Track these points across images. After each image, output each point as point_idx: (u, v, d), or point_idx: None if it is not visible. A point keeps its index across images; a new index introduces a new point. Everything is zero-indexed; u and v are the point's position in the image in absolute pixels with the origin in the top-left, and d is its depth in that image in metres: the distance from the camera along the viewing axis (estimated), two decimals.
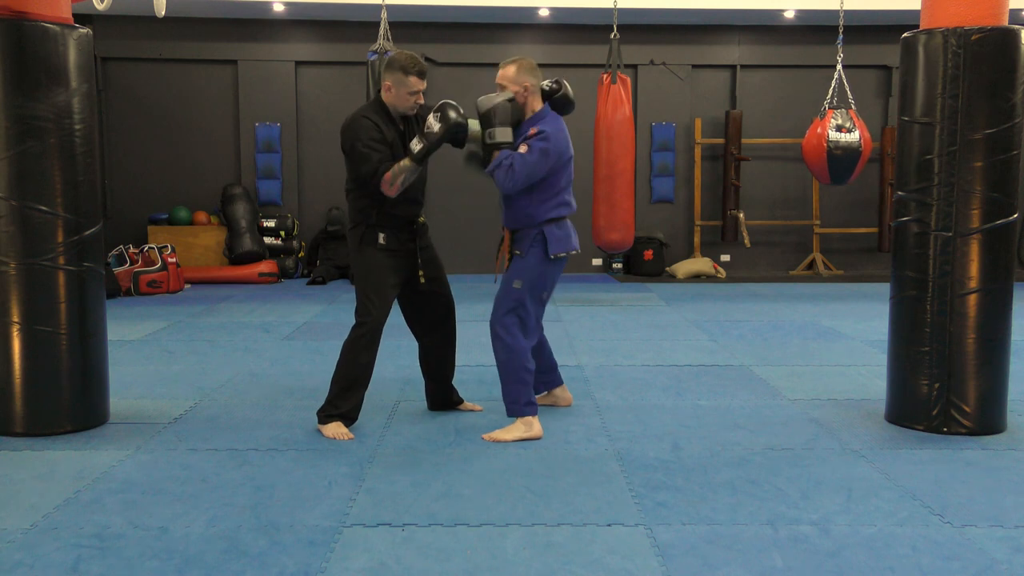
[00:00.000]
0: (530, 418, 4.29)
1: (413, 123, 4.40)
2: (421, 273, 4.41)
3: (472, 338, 6.89)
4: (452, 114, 4.18)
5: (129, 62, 11.07)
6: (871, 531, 3.19)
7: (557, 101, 4.40)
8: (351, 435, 4.29)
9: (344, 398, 4.35)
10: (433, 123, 4.19)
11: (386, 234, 4.34)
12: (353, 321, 4.39)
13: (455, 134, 4.22)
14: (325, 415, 4.36)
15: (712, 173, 11.52)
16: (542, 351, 4.66)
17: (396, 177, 4.17)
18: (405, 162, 4.19)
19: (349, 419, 4.37)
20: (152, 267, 9.45)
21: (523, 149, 4.18)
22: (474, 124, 4.34)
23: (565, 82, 4.46)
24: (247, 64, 11.07)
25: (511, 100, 4.22)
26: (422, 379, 4.81)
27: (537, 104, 4.32)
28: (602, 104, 8.65)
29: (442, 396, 4.78)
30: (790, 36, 11.30)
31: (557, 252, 4.29)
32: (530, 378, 4.32)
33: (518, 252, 4.32)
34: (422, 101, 4.37)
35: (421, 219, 4.47)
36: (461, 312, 8.24)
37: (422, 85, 4.31)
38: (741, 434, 4.37)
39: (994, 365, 4.30)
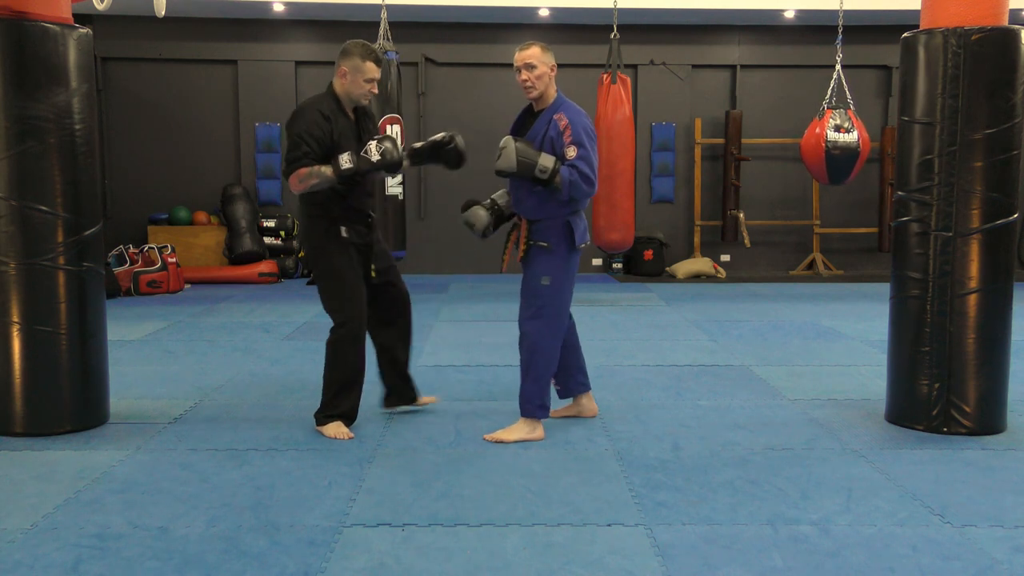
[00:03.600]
0: (536, 420, 4.27)
1: (363, 117, 4.37)
2: (373, 267, 4.39)
3: (473, 338, 6.90)
4: (394, 154, 4.17)
5: (129, 62, 11.07)
6: (871, 531, 3.19)
7: (448, 152, 4.34)
8: (351, 434, 4.28)
9: (341, 398, 4.33)
10: (373, 151, 4.16)
11: (347, 227, 4.28)
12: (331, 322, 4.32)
13: (388, 171, 4.24)
14: (324, 416, 4.34)
15: (712, 173, 11.52)
16: (575, 352, 4.58)
17: (309, 179, 4.10)
18: (327, 171, 4.11)
19: (348, 419, 4.36)
20: (152, 267, 9.45)
21: (572, 153, 4.13)
22: (478, 212, 4.39)
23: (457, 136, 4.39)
24: (247, 64, 11.07)
25: (516, 139, 4.15)
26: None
27: (552, 90, 4.27)
28: (602, 104, 8.65)
29: (400, 391, 4.67)
30: (790, 36, 11.30)
31: (581, 243, 4.29)
32: (549, 379, 4.29)
33: (544, 244, 4.22)
34: (376, 91, 4.33)
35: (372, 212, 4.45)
36: (461, 312, 8.29)
37: (378, 73, 4.28)
38: (741, 434, 4.37)
39: (994, 365, 4.30)
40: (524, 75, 4.19)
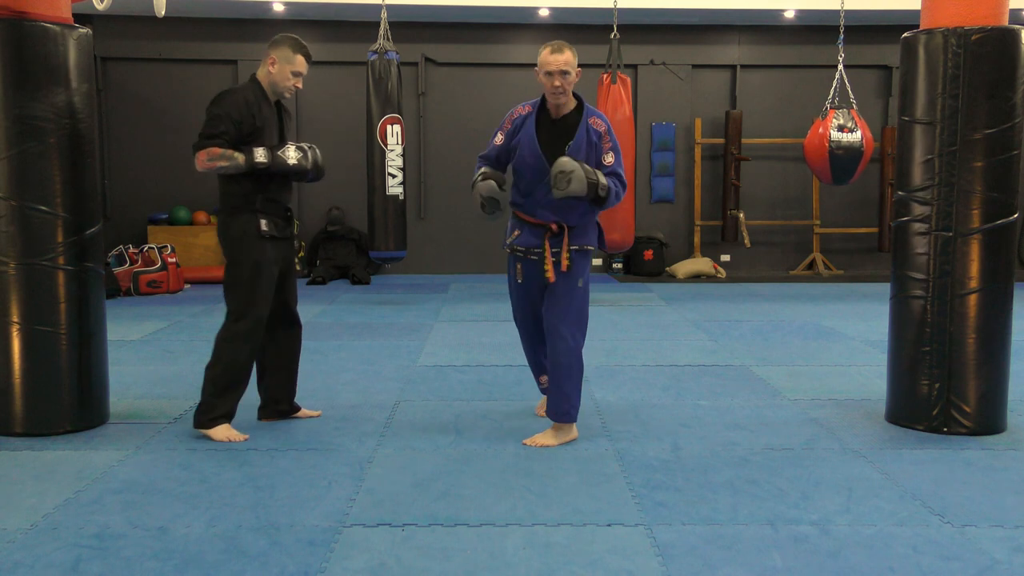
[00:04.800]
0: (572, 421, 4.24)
1: (283, 112, 4.34)
2: (298, 259, 4.34)
3: (473, 338, 6.90)
4: (307, 163, 4.19)
5: (129, 62, 11.07)
6: (871, 531, 3.19)
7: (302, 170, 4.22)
8: (244, 436, 4.19)
9: (225, 398, 4.21)
10: (292, 154, 4.15)
11: (267, 220, 4.20)
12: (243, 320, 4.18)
13: (298, 177, 4.23)
14: (208, 419, 4.19)
15: (712, 173, 11.53)
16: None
17: (219, 160, 4.04)
18: (239, 158, 4.06)
19: (229, 419, 4.25)
20: (152, 267, 9.45)
21: (610, 159, 4.07)
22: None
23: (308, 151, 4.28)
24: (247, 64, 11.05)
25: (574, 159, 3.99)
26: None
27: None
28: (602, 104, 8.65)
29: (289, 401, 4.53)
30: (790, 36, 11.30)
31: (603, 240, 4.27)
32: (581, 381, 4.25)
33: (590, 247, 4.18)
34: (300, 86, 4.28)
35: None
36: (461, 312, 8.29)
37: (305, 69, 4.25)
38: (741, 434, 4.37)
39: (994, 365, 4.30)
40: (558, 81, 4.03)
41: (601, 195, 4.02)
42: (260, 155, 4.09)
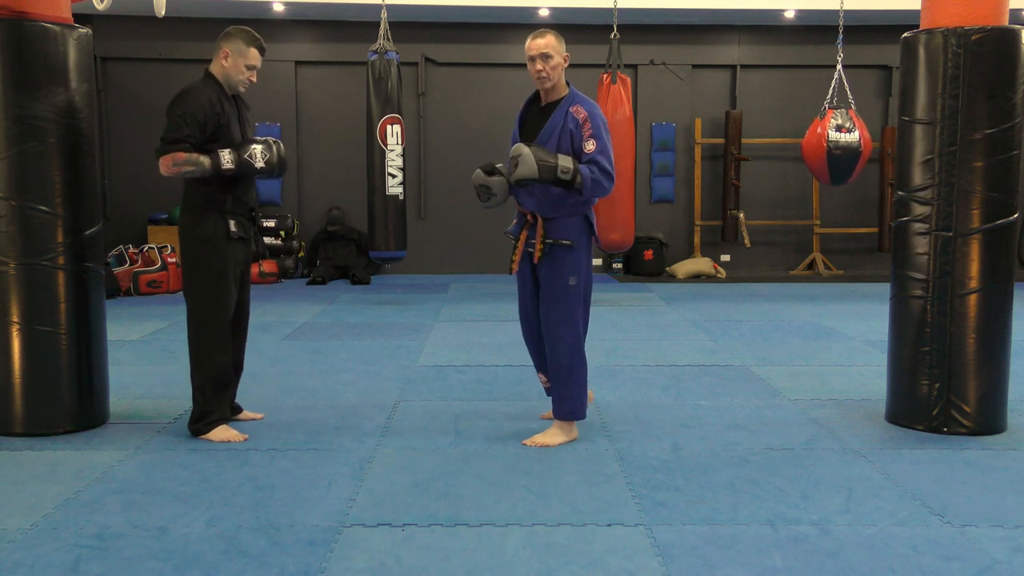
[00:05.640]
0: (573, 421, 4.22)
1: (241, 105, 4.28)
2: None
3: (474, 338, 6.90)
4: (275, 162, 4.14)
5: (129, 62, 11.07)
6: (871, 531, 3.19)
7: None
8: (243, 436, 4.19)
9: (216, 402, 4.20)
10: (258, 155, 4.10)
11: (236, 221, 4.16)
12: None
13: (264, 176, 4.19)
14: (206, 423, 4.19)
15: (712, 173, 11.53)
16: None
17: (185, 165, 4.00)
18: (205, 162, 4.02)
19: (227, 420, 4.27)
20: (152, 267, 9.46)
21: (591, 146, 3.99)
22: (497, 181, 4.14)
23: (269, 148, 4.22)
24: None
25: (529, 145, 3.98)
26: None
27: (563, 81, 4.12)
28: (602, 104, 8.63)
29: (232, 400, 4.46)
30: (790, 36, 11.30)
31: (597, 237, 4.21)
32: (586, 378, 4.22)
33: (568, 242, 4.06)
34: (254, 79, 4.23)
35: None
36: (461, 312, 8.29)
37: (259, 61, 4.19)
38: (741, 434, 4.37)
39: (994, 365, 4.30)
40: (539, 65, 4.03)
41: (563, 178, 3.93)
42: (227, 159, 4.04)
